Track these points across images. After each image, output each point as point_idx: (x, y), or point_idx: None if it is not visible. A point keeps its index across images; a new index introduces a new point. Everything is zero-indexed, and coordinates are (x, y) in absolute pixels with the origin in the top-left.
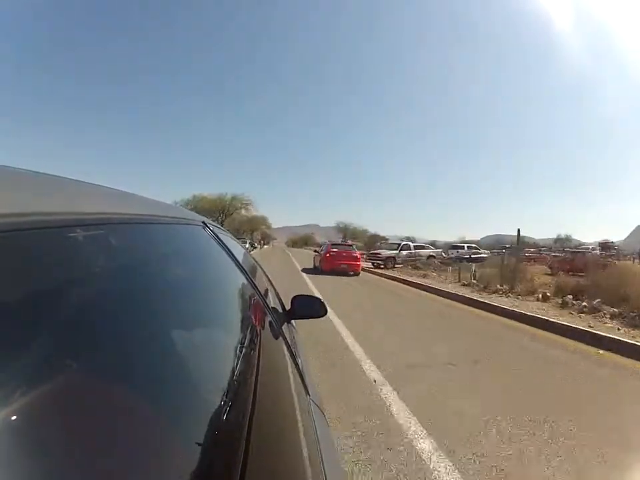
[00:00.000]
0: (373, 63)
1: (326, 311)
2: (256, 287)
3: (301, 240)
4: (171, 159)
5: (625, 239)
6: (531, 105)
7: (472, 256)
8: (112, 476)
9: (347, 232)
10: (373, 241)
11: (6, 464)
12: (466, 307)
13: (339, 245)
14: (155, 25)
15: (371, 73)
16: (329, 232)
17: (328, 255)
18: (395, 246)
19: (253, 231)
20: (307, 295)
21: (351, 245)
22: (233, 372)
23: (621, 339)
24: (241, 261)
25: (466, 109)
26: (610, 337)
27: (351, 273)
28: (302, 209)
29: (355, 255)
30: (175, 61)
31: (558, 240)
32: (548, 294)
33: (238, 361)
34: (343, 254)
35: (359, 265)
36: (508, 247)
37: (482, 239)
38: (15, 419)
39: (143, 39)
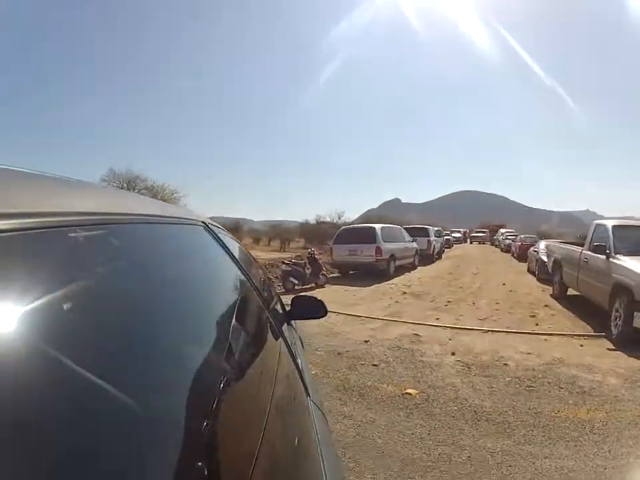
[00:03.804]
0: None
1: (326, 312)
2: (256, 287)
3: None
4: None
5: None
6: None
7: None
8: (113, 475)
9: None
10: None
11: (6, 463)
12: None
13: None
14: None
15: None
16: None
17: None
18: None
19: None
20: (307, 296)
21: None
22: (233, 372)
23: None
24: (241, 262)
25: None
26: None
27: None
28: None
29: None
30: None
31: None
32: None
33: (238, 361)
34: None
35: None
36: None
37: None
38: (17, 419)
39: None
